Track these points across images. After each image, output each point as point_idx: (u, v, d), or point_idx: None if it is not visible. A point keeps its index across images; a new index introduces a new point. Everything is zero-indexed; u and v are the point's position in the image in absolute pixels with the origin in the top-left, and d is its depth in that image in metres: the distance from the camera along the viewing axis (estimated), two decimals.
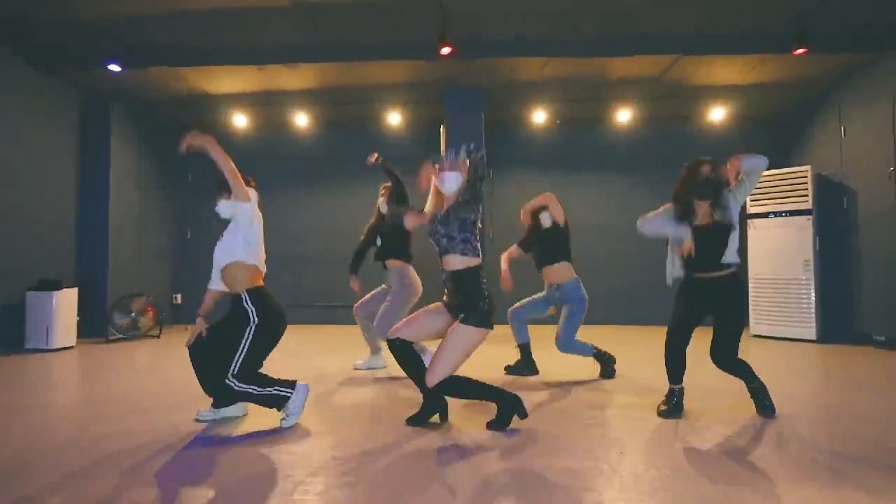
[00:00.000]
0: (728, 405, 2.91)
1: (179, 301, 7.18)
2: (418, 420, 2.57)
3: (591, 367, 3.86)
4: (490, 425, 2.50)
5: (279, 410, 2.65)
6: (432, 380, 2.42)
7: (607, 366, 3.73)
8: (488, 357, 4.05)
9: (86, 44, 5.02)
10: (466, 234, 2.48)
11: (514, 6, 4.54)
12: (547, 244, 3.78)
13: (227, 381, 2.53)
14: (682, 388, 2.83)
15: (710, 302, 2.75)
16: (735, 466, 2.02)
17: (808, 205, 5.55)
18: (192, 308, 7.03)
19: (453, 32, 4.82)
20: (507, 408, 2.51)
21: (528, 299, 3.91)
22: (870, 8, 4.45)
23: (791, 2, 4.39)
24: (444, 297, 2.61)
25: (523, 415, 2.50)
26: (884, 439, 2.33)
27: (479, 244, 2.54)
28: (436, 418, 2.62)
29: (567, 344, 3.69)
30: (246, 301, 2.60)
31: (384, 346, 3.61)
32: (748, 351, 4.97)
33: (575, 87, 5.93)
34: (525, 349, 3.86)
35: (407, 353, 2.58)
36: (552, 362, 4.13)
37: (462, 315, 2.45)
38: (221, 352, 2.60)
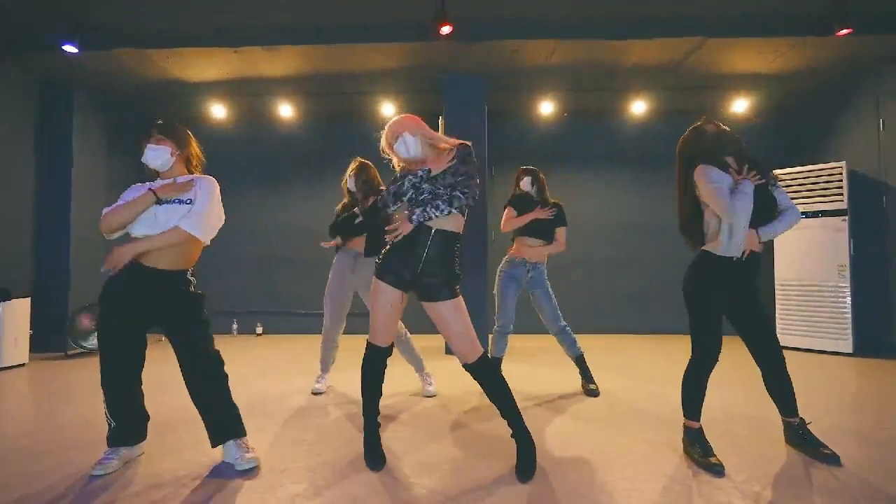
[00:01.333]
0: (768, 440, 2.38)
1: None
2: (380, 456, 2.25)
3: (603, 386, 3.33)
4: (520, 474, 2.09)
5: (220, 442, 2.21)
6: (474, 354, 2.16)
7: (588, 380, 3.51)
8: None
9: (38, 22, 4.44)
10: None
11: None
12: (548, 220, 3.48)
13: (224, 379, 2.24)
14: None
15: (743, 280, 2.30)
16: None
17: (843, 204, 5.05)
18: None
19: (452, 11, 4.28)
20: (530, 448, 2.16)
21: (504, 308, 3.49)
22: None
23: None
24: (394, 275, 2.18)
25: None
26: None
27: None
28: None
29: (563, 324, 3.46)
30: (190, 274, 2.28)
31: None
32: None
33: (585, 74, 5.39)
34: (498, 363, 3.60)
35: (383, 363, 2.30)
36: (554, 377, 3.60)
37: (447, 291, 2.16)
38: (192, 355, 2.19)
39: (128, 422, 2.22)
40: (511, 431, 2.19)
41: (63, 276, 5.34)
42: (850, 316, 4.96)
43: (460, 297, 2.21)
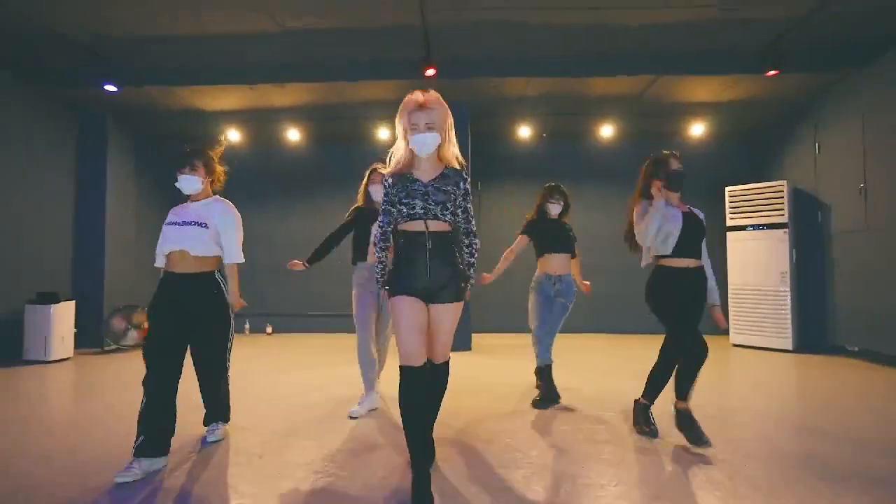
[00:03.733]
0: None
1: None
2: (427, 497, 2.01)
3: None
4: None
5: (212, 423, 2.75)
6: (444, 358, 2.25)
7: (550, 393, 3.49)
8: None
9: (83, 64, 5.17)
10: (451, 212, 2.22)
11: (495, 28, 4.69)
12: (561, 234, 3.75)
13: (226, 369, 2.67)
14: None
15: (690, 294, 2.74)
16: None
17: (785, 218, 5.71)
18: None
19: (436, 53, 4.99)
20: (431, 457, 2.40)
21: (537, 316, 3.63)
22: (835, 31, 4.62)
23: (762, 26, 4.54)
24: (409, 280, 2.15)
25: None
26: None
27: None
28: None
29: (548, 334, 3.58)
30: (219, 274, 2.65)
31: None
32: (728, 359, 5.15)
33: (557, 103, 6.08)
34: (547, 372, 3.56)
35: (423, 383, 2.12)
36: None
37: (452, 293, 2.17)
38: (206, 349, 2.62)
39: (154, 433, 2.32)
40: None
41: (98, 282, 6.09)
42: (789, 317, 5.62)
43: (460, 304, 2.22)
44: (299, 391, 3.88)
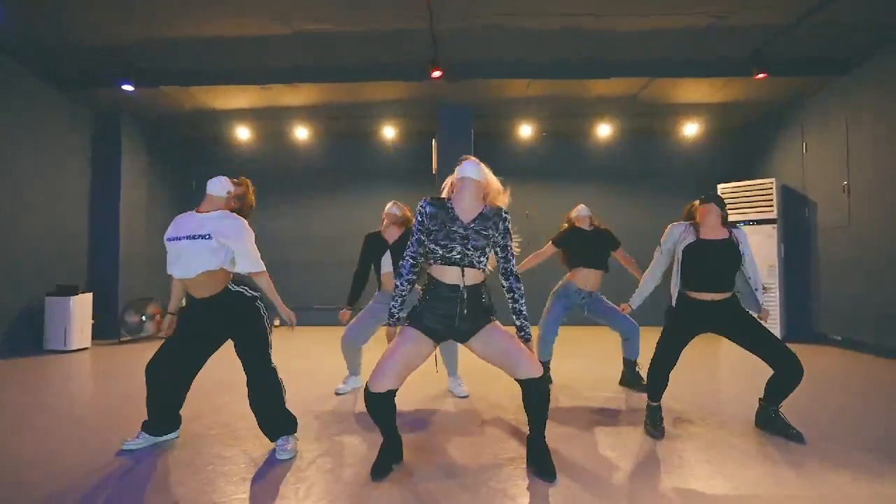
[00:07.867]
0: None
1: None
2: (383, 469, 2.17)
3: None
4: (545, 476, 2.14)
5: (276, 438, 2.45)
6: (537, 369, 2.13)
7: (634, 379, 3.69)
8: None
9: (101, 66, 5.37)
10: (487, 256, 2.26)
11: (498, 34, 4.92)
12: (595, 247, 3.71)
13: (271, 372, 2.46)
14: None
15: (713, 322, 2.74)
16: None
17: (774, 214, 6.00)
18: None
19: (443, 56, 5.22)
20: (546, 454, 2.21)
21: (549, 318, 3.74)
22: (819, 40, 4.88)
23: (749, 32, 4.80)
24: (432, 322, 2.18)
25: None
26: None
27: None
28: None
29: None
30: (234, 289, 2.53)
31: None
32: (719, 349, 5.40)
33: (557, 103, 6.34)
34: (545, 366, 3.70)
35: (389, 404, 2.16)
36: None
37: (485, 323, 2.20)
38: (249, 358, 2.48)
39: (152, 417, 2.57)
40: (529, 435, 2.24)
41: (113, 275, 6.28)
42: (778, 307, 5.90)
43: (499, 325, 2.22)
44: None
